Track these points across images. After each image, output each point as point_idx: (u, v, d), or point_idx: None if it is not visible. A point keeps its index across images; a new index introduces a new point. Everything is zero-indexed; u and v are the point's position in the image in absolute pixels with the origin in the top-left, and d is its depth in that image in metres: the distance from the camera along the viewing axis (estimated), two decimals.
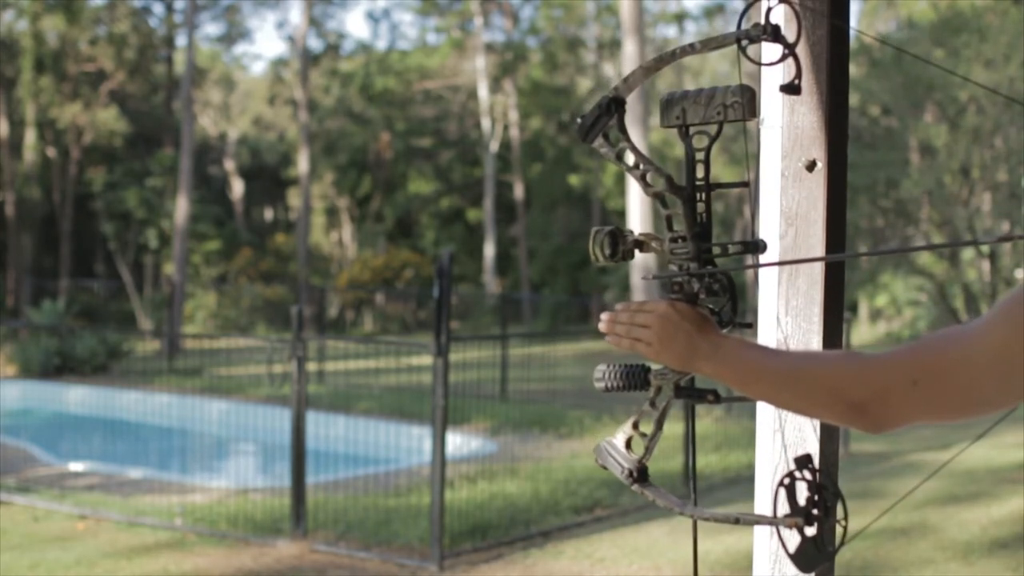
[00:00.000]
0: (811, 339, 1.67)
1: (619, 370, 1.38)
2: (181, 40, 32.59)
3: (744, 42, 1.28)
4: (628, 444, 1.40)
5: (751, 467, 1.90)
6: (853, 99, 15.95)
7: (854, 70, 16.72)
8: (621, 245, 1.34)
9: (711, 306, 1.34)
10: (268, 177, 38.05)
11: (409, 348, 13.93)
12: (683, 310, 1.31)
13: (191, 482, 9.40)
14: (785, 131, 1.68)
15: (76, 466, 10.02)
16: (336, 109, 36.28)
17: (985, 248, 16.50)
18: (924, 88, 16.64)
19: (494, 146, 32.53)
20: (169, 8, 32.64)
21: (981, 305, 16.47)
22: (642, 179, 1.34)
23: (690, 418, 1.45)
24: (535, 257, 32.87)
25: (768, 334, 1.67)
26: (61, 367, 16.72)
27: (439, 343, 6.29)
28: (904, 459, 9.09)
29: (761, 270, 1.71)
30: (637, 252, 1.36)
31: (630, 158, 1.35)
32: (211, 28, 40.59)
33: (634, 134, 23.28)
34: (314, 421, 7.77)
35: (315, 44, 35.73)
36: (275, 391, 13.37)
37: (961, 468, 8.53)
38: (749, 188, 1.37)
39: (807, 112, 1.68)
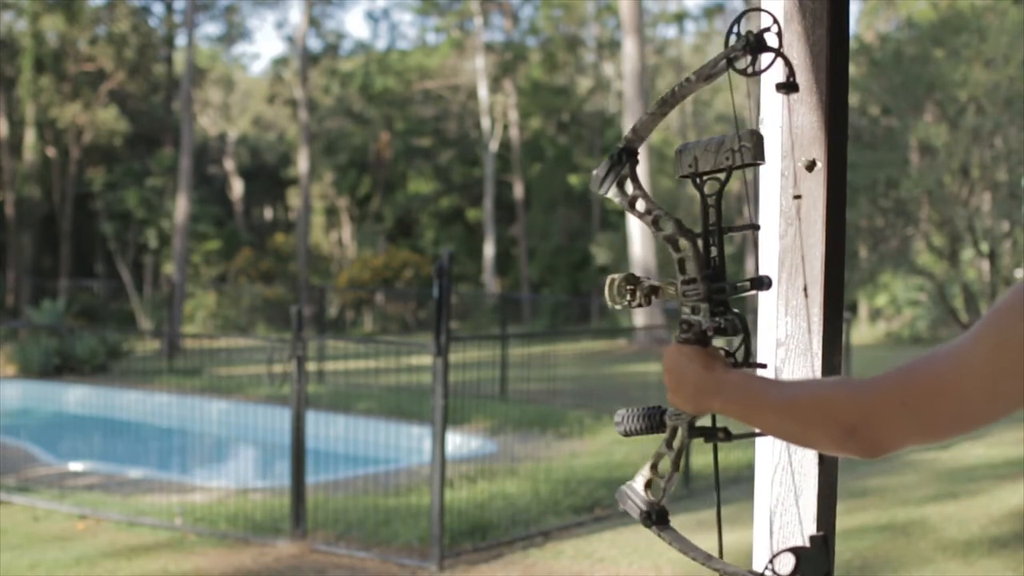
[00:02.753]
0: (811, 339, 1.67)
1: (636, 413, 1.39)
2: (181, 40, 32.61)
3: (736, 57, 1.30)
4: (647, 486, 1.39)
5: (751, 467, 1.91)
6: (853, 99, 15.97)
7: (854, 70, 16.73)
8: (638, 291, 1.36)
9: (725, 348, 1.35)
10: (268, 177, 38.06)
11: (409, 348, 13.93)
12: (688, 352, 1.32)
13: (191, 482, 9.40)
14: (785, 131, 1.68)
15: (76, 466, 10.02)
16: (336, 109, 36.29)
17: (985, 248, 16.50)
18: (924, 88, 16.64)
19: (494, 146, 32.53)
20: (169, 8, 32.66)
21: (981, 305, 16.47)
22: (653, 224, 1.36)
23: (714, 460, 1.45)
24: (535, 257, 32.87)
25: (768, 334, 1.68)
26: (61, 367, 16.72)
27: (439, 343, 6.29)
28: (902, 458, 9.09)
29: (761, 269, 1.71)
30: (653, 298, 1.37)
31: (642, 205, 1.38)
32: (211, 28, 40.63)
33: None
34: (314, 421, 7.77)
35: (315, 44, 35.76)
36: (275, 391, 13.37)
37: (961, 466, 8.54)
38: (757, 230, 1.39)
39: (807, 112, 1.68)
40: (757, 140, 1.31)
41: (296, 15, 41.55)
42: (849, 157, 1.73)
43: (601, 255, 28.13)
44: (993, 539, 6.34)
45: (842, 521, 1.83)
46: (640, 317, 18.30)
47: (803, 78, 1.68)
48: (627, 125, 22.11)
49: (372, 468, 9.11)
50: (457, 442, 9.69)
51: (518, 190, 33.17)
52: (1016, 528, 6.53)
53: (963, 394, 1.11)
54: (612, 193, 1.41)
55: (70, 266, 29.14)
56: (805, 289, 1.69)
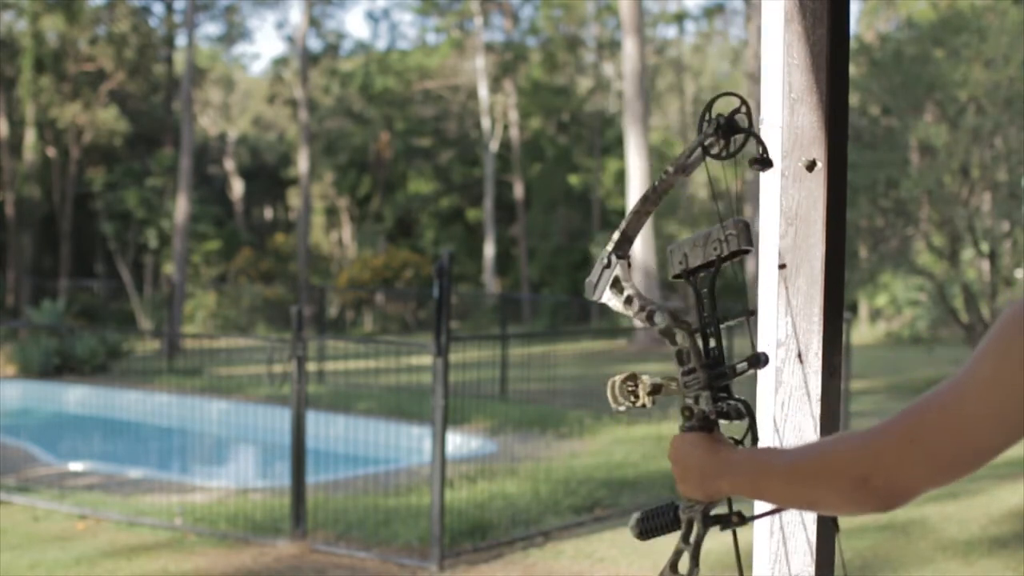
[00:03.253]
0: (811, 339, 1.67)
1: (649, 513, 1.37)
2: (181, 40, 32.61)
3: (713, 143, 1.33)
4: None
5: None
6: (853, 99, 15.97)
7: (854, 70, 16.73)
8: (640, 390, 1.36)
9: (735, 437, 1.34)
10: (268, 177, 38.05)
11: (409, 348, 13.93)
12: (692, 439, 1.30)
13: (191, 482, 9.40)
14: (785, 131, 1.68)
15: (76, 466, 10.02)
16: (336, 109, 36.29)
17: (985, 248, 16.49)
18: (924, 88, 16.64)
19: (494, 146, 32.53)
20: (169, 8, 32.65)
21: (981, 305, 16.46)
22: (648, 319, 1.36)
23: (735, 546, 1.41)
24: (535, 257, 32.87)
25: (768, 334, 1.68)
26: (61, 367, 16.72)
27: (439, 343, 6.29)
28: None
29: (761, 269, 1.71)
30: (656, 397, 1.37)
31: (636, 304, 1.38)
32: (211, 28, 40.63)
33: (633, 133, 23.27)
34: (314, 421, 7.77)
35: (315, 44, 35.76)
36: (275, 391, 13.36)
37: None
38: (753, 315, 1.38)
39: (807, 112, 1.68)
40: (743, 228, 1.32)
41: (296, 15, 41.56)
42: (849, 157, 1.73)
43: None
44: (993, 539, 6.34)
45: (842, 521, 1.83)
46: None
47: (803, 78, 1.68)
48: (627, 125, 22.10)
49: (372, 468, 9.11)
50: (457, 442, 9.69)
51: (518, 190, 33.17)
52: (1016, 528, 6.53)
53: (971, 422, 1.09)
54: (607, 297, 1.41)
55: (70, 266, 29.14)
56: (805, 289, 1.69)
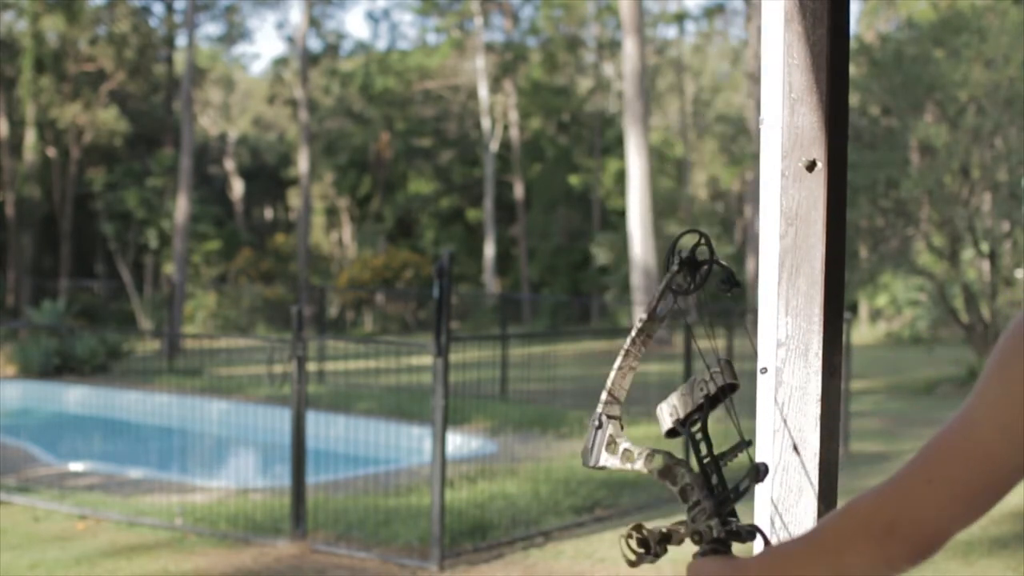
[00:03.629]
0: (811, 339, 1.67)
1: None
2: (181, 40, 32.61)
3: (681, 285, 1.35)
4: None
5: None
6: (853, 99, 15.97)
7: (854, 70, 16.73)
8: (651, 542, 1.35)
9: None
10: (268, 177, 38.06)
11: (409, 348, 13.92)
12: (706, 562, 1.27)
13: (191, 482, 9.40)
14: (785, 131, 1.68)
15: (76, 466, 10.02)
16: (336, 109, 36.29)
17: (986, 248, 16.49)
18: (924, 88, 16.64)
19: (494, 146, 32.54)
20: (169, 8, 32.66)
21: (981, 305, 16.46)
22: (646, 462, 1.37)
23: None
24: (535, 257, 32.88)
25: (768, 334, 1.68)
26: (61, 367, 16.72)
27: (439, 343, 6.29)
28: (905, 458, 9.09)
29: (761, 269, 1.71)
30: (668, 545, 1.37)
31: (633, 455, 1.39)
32: (211, 28, 40.62)
33: (633, 133, 23.19)
34: (314, 421, 7.77)
35: (315, 44, 35.76)
36: (275, 391, 13.36)
37: None
38: (750, 445, 1.38)
39: (807, 112, 1.68)
40: (726, 365, 1.33)
41: (296, 15, 41.55)
42: (849, 157, 1.73)
43: (601, 255, 28.13)
44: (993, 539, 6.34)
45: None
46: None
47: (803, 78, 1.68)
48: (627, 125, 22.11)
49: (372, 468, 9.11)
50: (457, 442, 9.69)
51: (518, 190, 33.18)
52: (1016, 528, 6.53)
53: (985, 447, 1.06)
54: (604, 459, 1.41)
55: (70, 266, 29.14)
56: (805, 289, 1.69)
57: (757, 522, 1.70)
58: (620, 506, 7.73)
